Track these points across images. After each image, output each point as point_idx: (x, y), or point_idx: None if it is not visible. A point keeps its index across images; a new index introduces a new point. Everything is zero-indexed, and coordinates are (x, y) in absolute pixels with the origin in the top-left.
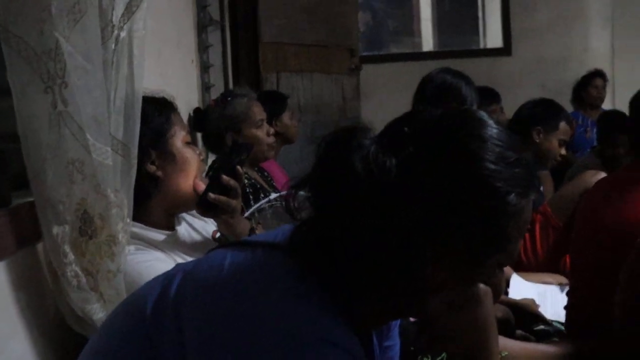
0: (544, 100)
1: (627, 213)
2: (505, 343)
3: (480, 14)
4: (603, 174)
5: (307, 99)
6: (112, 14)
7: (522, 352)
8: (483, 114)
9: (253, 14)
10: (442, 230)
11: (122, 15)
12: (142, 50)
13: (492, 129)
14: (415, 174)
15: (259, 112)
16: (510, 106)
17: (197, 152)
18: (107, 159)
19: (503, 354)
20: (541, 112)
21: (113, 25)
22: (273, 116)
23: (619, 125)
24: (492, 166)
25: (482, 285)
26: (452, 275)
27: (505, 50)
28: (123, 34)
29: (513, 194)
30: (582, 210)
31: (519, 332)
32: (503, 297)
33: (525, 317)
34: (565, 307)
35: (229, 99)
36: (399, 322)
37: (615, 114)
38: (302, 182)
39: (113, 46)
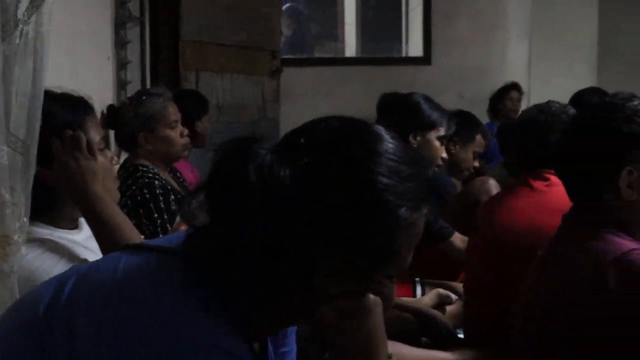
0: (460, 112)
1: (513, 223)
2: (400, 349)
3: (403, 22)
4: (492, 181)
5: (226, 99)
6: (16, 8)
7: (413, 357)
8: (380, 129)
9: (175, 12)
10: (333, 241)
11: (27, 9)
12: (47, 45)
13: (388, 144)
14: (308, 185)
15: (173, 112)
16: None
17: (110, 157)
18: (2, 157)
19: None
20: (458, 124)
21: (17, 20)
22: (196, 117)
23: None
24: (385, 180)
25: (372, 296)
26: (342, 285)
27: (425, 59)
28: (27, 29)
29: (404, 208)
30: (478, 221)
31: (424, 339)
32: (414, 305)
33: (432, 326)
34: (463, 318)
35: (144, 98)
36: (295, 328)
37: (511, 124)
38: (198, 189)
39: (17, 41)
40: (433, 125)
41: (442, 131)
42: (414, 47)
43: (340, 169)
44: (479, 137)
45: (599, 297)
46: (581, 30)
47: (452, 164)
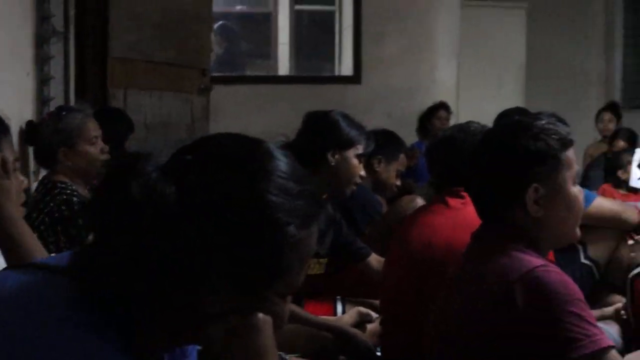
0: (385, 132)
1: (428, 239)
2: None
3: (337, 42)
4: (419, 200)
5: (154, 117)
6: None
7: None
8: (272, 146)
9: (102, 28)
10: (220, 258)
11: None
12: None
13: (279, 162)
14: (193, 202)
15: (94, 128)
16: None
17: (21, 180)
18: None
19: None
20: (382, 143)
21: None
22: (124, 137)
23: None
24: (273, 198)
25: (261, 314)
26: (231, 303)
27: (355, 78)
28: None
29: (292, 225)
30: (395, 238)
31: (342, 358)
32: (334, 323)
33: (352, 344)
34: (380, 336)
35: (64, 113)
36: (196, 347)
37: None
38: (85, 207)
39: None
40: (351, 143)
41: (360, 149)
42: (346, 66)
43: (228, 186)
44: (402, 156)
45: (507, 313)
46: (509, 53)
47: (377, 182)
